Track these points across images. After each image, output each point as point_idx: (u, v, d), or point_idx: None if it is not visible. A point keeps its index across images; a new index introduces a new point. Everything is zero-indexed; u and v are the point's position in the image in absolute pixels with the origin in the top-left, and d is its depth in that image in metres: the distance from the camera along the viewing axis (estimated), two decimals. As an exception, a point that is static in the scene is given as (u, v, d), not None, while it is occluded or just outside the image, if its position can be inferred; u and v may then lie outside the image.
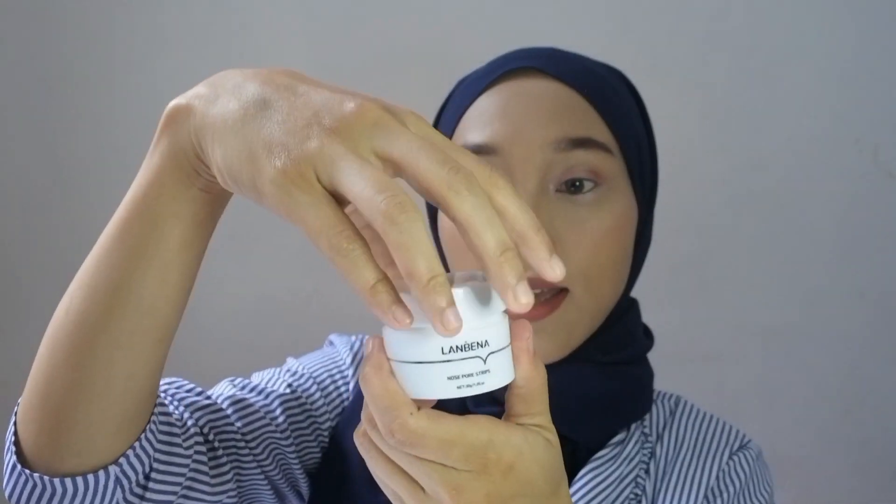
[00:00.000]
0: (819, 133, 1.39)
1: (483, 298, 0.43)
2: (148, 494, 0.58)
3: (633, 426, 0.72)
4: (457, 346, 0.42)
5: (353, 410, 0.73)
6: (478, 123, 0.68)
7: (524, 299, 0.39)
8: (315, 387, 0.73)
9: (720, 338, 1.45)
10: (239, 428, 0.67)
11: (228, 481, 0.65)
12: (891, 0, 1.36)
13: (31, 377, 0.55)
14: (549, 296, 0.66)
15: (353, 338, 0.79)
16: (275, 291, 1.48)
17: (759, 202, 1.41)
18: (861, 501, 1.46)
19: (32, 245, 1.52)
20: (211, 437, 0.65)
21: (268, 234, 1.46)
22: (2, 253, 1.53)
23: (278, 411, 0.70)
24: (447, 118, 0.73)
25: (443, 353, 0.42)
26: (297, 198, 0.40)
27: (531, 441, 0.45)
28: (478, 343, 0.42)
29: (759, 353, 1.45)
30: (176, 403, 0.64)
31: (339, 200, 0.41)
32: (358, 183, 0.39)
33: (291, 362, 0.77)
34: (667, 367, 0.83)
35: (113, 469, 0.55)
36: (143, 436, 0.56)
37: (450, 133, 0.71)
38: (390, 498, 0.47)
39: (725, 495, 0.69)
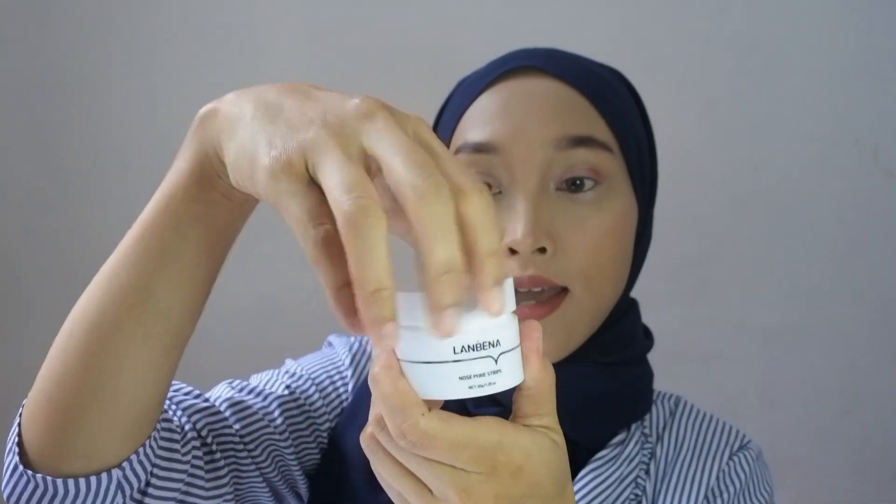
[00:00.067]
0: (819, 133, 1.39)
1: None
2: (147, 500, 0.58)
3: (633, 426, 0.72)
4: (469, 346, 0.42)
5: (352, 412, 0.73)
6: (478, 122, 0.68)
7: (445, 327, 0.39)
8: (314, 388, 0.73)
9: (720, 338, 1.45)
10: (237, 431, 0.67)
11: (225, 485, 0.64)
12: (891, 0, 1.36)
13: (41, 377, 0.55)
14: (549, 295, 0.66)
15: (353, 339, 0.79)
16: (274, 292, 1.48)
17: (759, 202, 1.41)
18: (861, 501, 1.45)
19: (31, 245, 1.52)
20: (209, 440, 0.65)
21: (267, 235, 1.46)
22: (1, 253, 1.52)
23: (277, 413, 0.70)
24: (447, 118, 0.73)
25: (454, 352, 0.41)
26: (283, 186, 0.40)
27: (539, 443, 0.45)
28: (489, 343, 0.42)
29: (759, 353, 1.45)
30: (174, 408, 0.64)
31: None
32: (333, 177, 0.39)
33: (290, 363, 0.77)
34: (667, 367, 0.83)
35: (116, 472, 0.55)
36: (147, 442, 0.56)
37: (450, 133, 0.71)
38: (395, 501, 0.47)
39: (726, 496, 0.69)
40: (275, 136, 0.42)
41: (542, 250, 0.65)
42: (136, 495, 0.57)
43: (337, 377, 0.75)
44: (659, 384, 0.77)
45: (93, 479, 0.54)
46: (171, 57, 1.46)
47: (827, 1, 1.36)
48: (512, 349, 0.43)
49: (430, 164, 0.39)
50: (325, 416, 0.73)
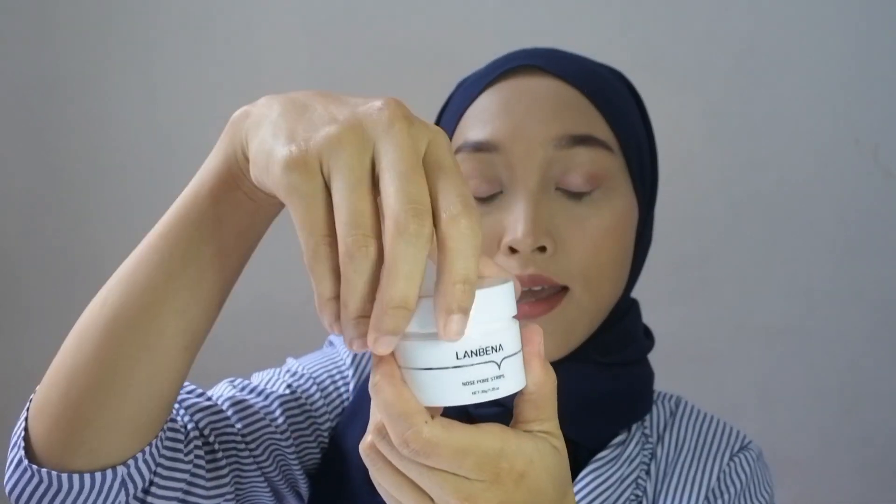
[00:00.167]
0: (819, 133, 1.39)
1: (496, 301, 0.42)
2: (149, 499, 0.58)
3: (633, 427, 0.72)
4: (471, 351, 0.41)
5: (352, 411, 0.73)
6: (479, 121, 0.68)
7: (368, 359, 0.41)
8: (315, 387, 0.73)
9: (720, 338, 1.45)
10: (239, 429, 0.67)
11: (226, 484, 0.64)
12: (891, 0, 1.36)
13: (53, 371, 0.55)
14: (549, 293, 0.66)
15: (353, 338, 0.79)
16: (274, 292, 1.48)
17: (759, 202, 1.41)
18: (861, 502, 1.46)
19: (31, 245, 1.52)
20: (211, 438, 0.65)
21: (267, 235, 1.46)
22: (1, 253, 1.52)
23: (278, 412, 0.70)
24: (448, 118, 0.73)
25: (457, 357, 0.41)
26: (295, 180, 0.41)
27: (541, 449, 0.45)
28: (492, 347, 0.42)
29: (759, 353, 1.45)
30: (177, 406, 0.64)
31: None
32: (340, 203, 0.40)
33: (291, 363, 0.77)
34: (667, 368, 0.83)
35: (121, 470, 0.55)
36: (153, 442, 0.56)
37: (451, 133, 0.71)
38: None
39: (726, 496, 0.69)
40: (296, 131, 0.42)
41: (543, 249, 0.65)
42: (140, 494, 0.57)
43: (338, 376, 0.75)
44: (659, 384, 0.77)
45: (97, 475, 0.54)
46: (170, 57, 1.46)
47: (827, 1, 1.36)
48: (514, 353, 0.43)
49: (421, 197, 0.39)
50: (326, 416, 0.73)
